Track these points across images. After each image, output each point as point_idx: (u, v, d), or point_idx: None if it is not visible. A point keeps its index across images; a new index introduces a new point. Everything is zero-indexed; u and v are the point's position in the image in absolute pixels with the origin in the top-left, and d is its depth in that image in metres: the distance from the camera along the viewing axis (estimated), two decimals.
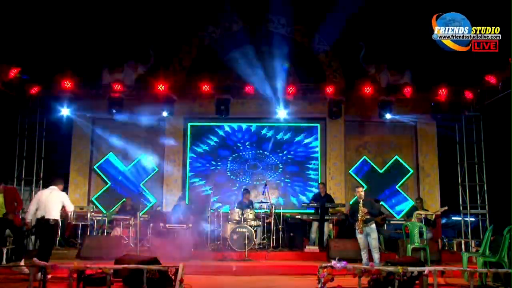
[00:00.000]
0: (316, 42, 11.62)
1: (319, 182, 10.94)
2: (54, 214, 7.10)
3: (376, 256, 7.73)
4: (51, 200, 7.14)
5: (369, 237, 7.76)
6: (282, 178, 11.70)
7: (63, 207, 7.29)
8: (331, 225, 10.38)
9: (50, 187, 7.36)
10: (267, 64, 11.54)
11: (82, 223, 10.04)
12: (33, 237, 9.11)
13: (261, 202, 10.57)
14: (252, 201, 10.63)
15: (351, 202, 11.17)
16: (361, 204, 7.75)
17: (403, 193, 11.47)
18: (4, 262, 8.26)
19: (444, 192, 11.34)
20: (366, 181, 11.34)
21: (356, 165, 11.61)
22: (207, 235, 9.99)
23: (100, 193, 11.44)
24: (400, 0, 10.59)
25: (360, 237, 7.82)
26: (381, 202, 10.98)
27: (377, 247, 7.83)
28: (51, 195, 7.20)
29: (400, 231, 9.10)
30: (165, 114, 10.95)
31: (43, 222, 7.04)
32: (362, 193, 7.87)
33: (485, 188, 10.99)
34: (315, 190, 11.07)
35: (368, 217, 7.71)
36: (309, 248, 9.69)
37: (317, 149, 11.76)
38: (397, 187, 11.49)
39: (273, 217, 10.08)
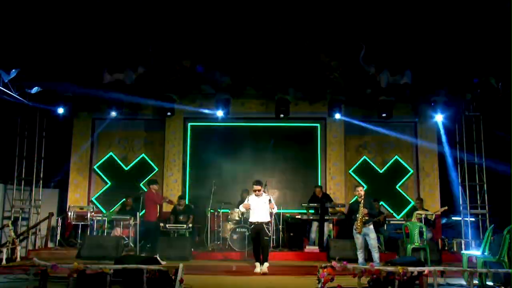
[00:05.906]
0: (316, 42, 11.59)
1: (317, 185, 10.90)
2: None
3: (376, 255, 7.76)
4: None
5: (367, 237, 7.81)
6: (282, 178, 11.68)
7: None
8: (331, 225, 10.40)
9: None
10: (267, 64, 11.54)
11: (82, 223, 10.06)
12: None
13: None
14: None
15: (351, 202, 11.19)
16: (361, 205, 7.77)
17: (403, 193, 11.46)
18: (4, 262, 8.29)
19: (444, 192, 11.34)
20: (366, 181, 11.33)
21: (356, 165, 11.60)
22: (207, 235, 9.99)
23: (100, 193, 11.43)
24: (400, 0, 10.58)
25: (358, 237, 7.86)
26: (381, 202, 11.00)
27: (377, 246, 7.87)
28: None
29: (400, 231, 9.11)
30: (165, 114, 10.93)
31: None
32: (362, 193, 7.90)
33: (485, 188, 10.99)
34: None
35: (367, 218, 7.74)
36: (309, 248, 9.70)
37: (317, 149, 11.76)
38: (397, 187, 11.48)
39: (273, 217, 10.08)
